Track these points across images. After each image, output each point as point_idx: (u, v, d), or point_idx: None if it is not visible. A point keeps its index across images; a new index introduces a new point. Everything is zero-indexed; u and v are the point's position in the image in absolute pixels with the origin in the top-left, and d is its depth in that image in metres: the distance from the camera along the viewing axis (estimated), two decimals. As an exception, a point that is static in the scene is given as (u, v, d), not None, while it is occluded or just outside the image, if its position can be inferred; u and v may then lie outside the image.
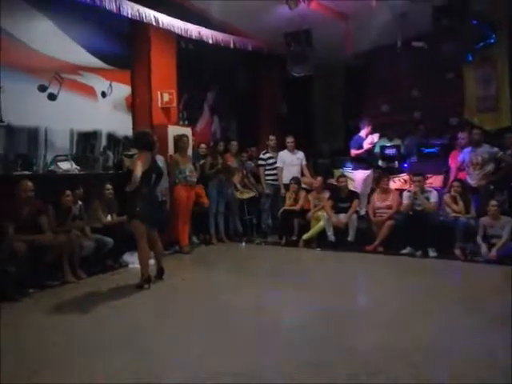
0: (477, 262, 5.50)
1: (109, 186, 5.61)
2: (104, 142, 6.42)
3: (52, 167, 5.56)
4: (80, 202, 5.29)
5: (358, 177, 6.89)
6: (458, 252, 5.78)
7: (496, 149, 6.25)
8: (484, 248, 5.55)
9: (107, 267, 5.34)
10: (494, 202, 5.63)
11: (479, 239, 5.63)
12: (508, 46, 7.63)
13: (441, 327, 3.35)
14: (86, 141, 6.18)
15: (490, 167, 6.17)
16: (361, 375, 2.59)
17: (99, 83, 6.40)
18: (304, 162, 7.40)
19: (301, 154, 7.40)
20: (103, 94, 6.46)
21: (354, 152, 7.08)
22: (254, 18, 7.23)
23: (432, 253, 5.86)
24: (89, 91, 6.26)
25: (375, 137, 7.00)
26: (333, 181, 7.17)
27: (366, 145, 6.97)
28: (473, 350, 2.93)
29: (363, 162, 7.02)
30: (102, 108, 6.43)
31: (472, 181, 6.23)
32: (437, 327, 3.36)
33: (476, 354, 2.86)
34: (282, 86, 9.06)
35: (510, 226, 5.53)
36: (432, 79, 8.29)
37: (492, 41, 7.60)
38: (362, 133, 7.07)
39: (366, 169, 7.01)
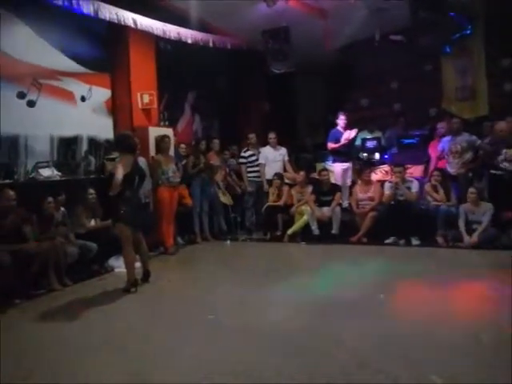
0: (459, 248, 5.61)
1: (91, 191, 5.58)
2: (85, 146, 6.40)
3: (33, 174, 5.53)
4: (63, 209, 5.27)
5: (336, 170, 6.95)
6: (440, 239, 5.88)
7: (474, 137, 6.36)
8: (465, 234, 5.66)
9: (93, 273, 5.31)
10: (472, 190, 5.73)
11: (461, 226, 5.73)
12: (484, 36, 7.75)
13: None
14: (66, 146, 6.15)
15: (468, 155, 6.27)
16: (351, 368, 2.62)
17: (79, 88, 6.37)
18: (286, 158, 7.45)
19: (283, 150, 7.44)
20: (83, 99, 6.44)
21: (330, 145, 7.14)
22: (232, 17, 7.26)
23: (415, 241, 5.96)
24: (68, 96, 6.23)
25: (352, 132, 7.04)
26: (315, 175, 7.22)
27: (343, 140, 7.02)
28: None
29: (341, 154, 7.07)
30: (82, 112, 6.40)
31: (452, 169, 6.33)
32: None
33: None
34: (263, 84, 9.10)
35: (490, 212, 5.64)
36: (411, 72, 8.39)
37: (468, 32, 7.72)
38: (340, 126, 7.12)
39: (345, 161, 7.07)
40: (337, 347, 2.90)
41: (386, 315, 3.47)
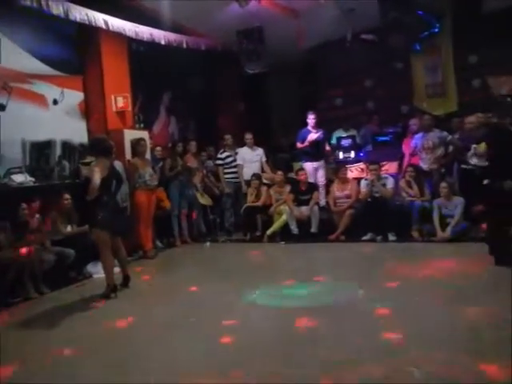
0: (433, 242, 5.76)
1: (67, 196, 5.49)
2: (59, 151, 6.27)
3: (6, 180, 5.39)
4: (38, 215, 5.16)
5: (307, 169, 7.03)
6: (415, 234, 6.03)
7: (445, 133, 6.54)
8: (439, 228, 5.82)
9: (71, 279, 5.24)
10: (444, 184, 5.90)
11: (435, 220, 5.89)
12: (451, 34, 7.96)
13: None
14: (39, 151, 6.02)
15: (440, 151, 6.45)
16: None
17: (50, 91, 6.24)
18: (264, 158, 7.48)
19: (260, 151, 7.47)
20: (55, 102, 6.30)
21: (298, 145, 7.23)
22: (205, 17, 7.24)
23: (392, 237, 6.09)
24: (40, 99, 6.09)
25: (315, 135, 7.08)
26: (293, 174, 7.29)
27: (307, 141, 7.09)
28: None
29: (311, 154, 7.15)
30: (54, 116, 6.27)
31: (424, 165, 6.49)
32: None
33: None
34: (238, 84, 9.11)
35: (462, 206, 5.82)
36: (382, 70, 8.55)
37: (436, 30, 7.93)
38: (309, 126, 7.21)
39: (315, 160, 7.14)
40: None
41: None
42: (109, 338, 3.42)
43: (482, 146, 5.96)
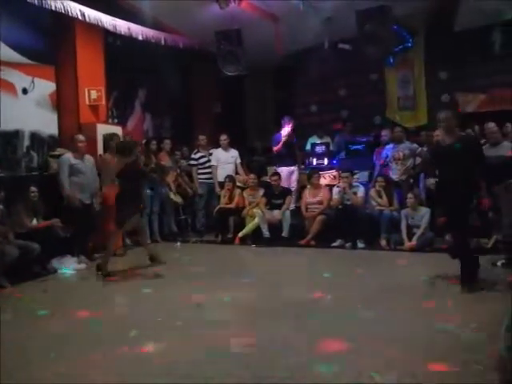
0: (400, 251, 5.91)
1: (33, 189, 5.31)
2: (27, 141, 6.05)
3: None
4: (1, 206, 4.96)
5: (283, 173, 7.09)
6: (383, 242, 6.17)
7: (415, 145, 6.75)
8: (406, 238, 5.98)
9: (34, 274, 5.06)
10: (410, 195, 6.07)
11: (402, 230, 6.05)
12: (423, 50, 8.25)
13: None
14: (6, 141, 5.79)
15: (410, 162, 6.65)
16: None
17: (19, 79, 6.01)
18: (238, 161, 7.48)
19: (235, 153, 7.47)
20: (24, 91, 6.08)
21: (275, 149, 7.31)
22: (185, 16, 7.19)
23: (360, 244, 6.21)
24: (8, 87, 5.86)
25: (287, 129, 7.21)
26: (267, 178, 7.32)
27: (282, 137, 7.18)
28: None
29: (286, 158, 7.24)
30: (23, 106, 6.05)
31: (394, 175, 6.67)
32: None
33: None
34: (215, 85, 9.09)
35: (428, 216, 6.00)
36: (357, 80, 8.74)
37: (410, 45, 8.21)
38: (284, 130, 7.29)
39: (290, 165, 7.23)
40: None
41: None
42: (68, 336, 3.32)
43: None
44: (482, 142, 6.19)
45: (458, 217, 4.13)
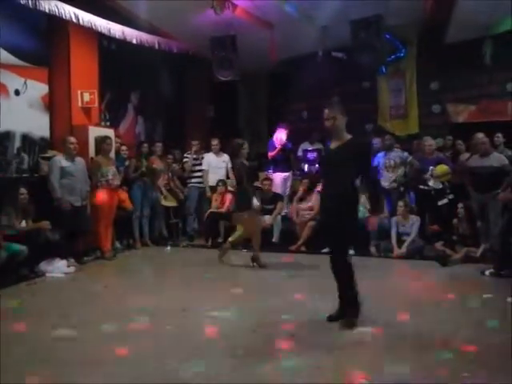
0: (390, 258, 5.95)
1: (23, 191, 5.27)
2: (18, 143, 6.01)
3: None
4: (-10, 208, 4.93)
5: (277, 179, 7.13)
6: (373, 249, 6.21)
7: (406, 153, 6.82)
8: (395, 245, 6.03)
9: (22, 277, 5.01)
10: (401, 203, 6.14)
11: (392, 237, 6.10)
12: (415, 60, 8.35)
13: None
14: (-3, 142, 5.76)
15: (400, 170, 6.72)
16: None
17: (12, 80, 5.97)
18: (230, 165, 7.49)
19: (226, 157, 7.47)
20: (17, 92, 6.05)
21: (270, 154, 7.35)
22: (179, 21, 7.21)
23: (350, 251, 6.21)
24: (0, 89, 5.84)
25: (281, 134, 7.27)
26: (258, 183, 7.33)
27: (277, 144, 7.24)
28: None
29: (281, 164, 7.28)
30: (15, 107, 6.00)
31: (385, 183, 6.73)
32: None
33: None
34: (208, 89, 9.11)
35: (418, 224, 6.06)
36: (350, 88, 8.80)
37: (402, 55, 8.31)
38: (277, 137, 7.34)
39: (285, 171, 7.27)
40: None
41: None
42: (58, 340, 3.28)
43: (439, 169, 6.27)
44: (468, 154, 6.32)
45: (335, 236, 3.42)
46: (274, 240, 6.57)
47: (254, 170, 8.24)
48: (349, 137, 3.49)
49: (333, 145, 3.52)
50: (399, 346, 3.08)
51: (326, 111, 3.47)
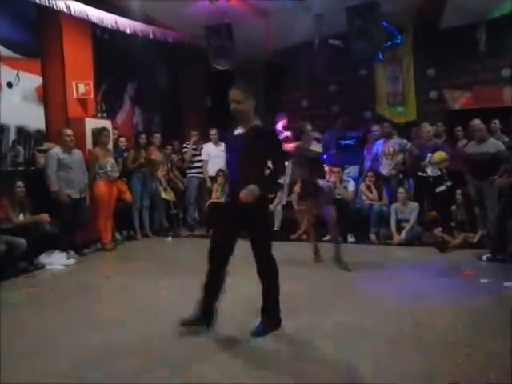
0: (389, 245, 5.97)
1: (20, 184, 5.22)
2: (13, 136, 5.93)
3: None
4: (-13, 201, 4.88)
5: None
6: (372, 236, 6.23)
7: (405, 141, 6.82)
8: (395, 232, 6.04)
9: (21, 270, 4.98)
10: (401, 190, 6.15)
11: (392, 224, 6.11)
12: (412, 47, 8.31)
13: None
14: (-9, 136, 5.69)
15: (399, 157, 6.71)
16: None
17: (4, 73, 5.87)
18: (229, 155, 7.46)
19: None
20: (9, 85, 5.95)
21: None
22: (174, 10, 7.12)
23: (350, 238, 6.25)
24: (-9, 81, 5.75)
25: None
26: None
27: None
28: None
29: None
30: (8, 100, 5.91)
31: (384, 170, 6.72)
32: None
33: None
34: (205, 79, 9.03)
35: (416, 211, 6.08)
36: (347, 76, 8.77)
37: (398, 41, 8.27)
38: (279, 126, 7.32)
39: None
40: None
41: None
42: (61, 331, 3.28)
43: (437, 156, 6.27)
44: (465, 141, 6.33)
45: (256, 228, 3.08)
46: (274, 228, 6.55)
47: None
48: (257, 122, 3.15)
49: (238, 130, 3.13)
50: (403, 335, 3.09)
51: (232, 93, 3.08)
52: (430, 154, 6.32)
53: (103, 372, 2.60)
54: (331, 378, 2.47)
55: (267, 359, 2.73)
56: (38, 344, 3.06)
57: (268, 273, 3.10)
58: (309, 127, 4.93)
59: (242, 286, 3.65)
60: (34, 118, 6.22)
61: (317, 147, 4.97)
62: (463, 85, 8.00)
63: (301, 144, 4.84)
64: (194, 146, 7.46)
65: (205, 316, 3.12)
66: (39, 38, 6.33)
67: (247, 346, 2.91)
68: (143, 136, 7.09)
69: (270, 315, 3.11)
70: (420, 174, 6.47)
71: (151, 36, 7.24)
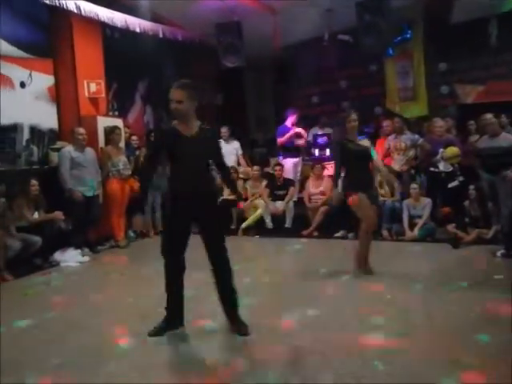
0: (402, 241, 5.93)
1: (34, 182, 5.28)
2: (27, 135, 6.00)
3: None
4: (3, 199, 4.93)
5: (287, 165, 7.11)
6: (385, 233, 6.19)
7: (417, 136, 6.76)
8: (407, 228, 6.00)
9: (36, 267, 5.05)
10: (414, 186, 6.09)
11: (404, 220, 6.07)
12: (422, 41, 8.24)
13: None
14: (5, 135, 5.73)
15: (411, 153, 6.65)
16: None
17: (17, 73, 5.94)
18: (240, 152, 7.47)
19: (236, 144, 7.45)
20: (22, 85, 6.02)
21: (279, 140, 7.31)
22: (183, 8, 7.14)
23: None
24: (5, 81, 5.80)
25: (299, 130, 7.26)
26: (269, 169, 7.32)
27: (290, 133, 7.21)
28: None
29: (291, 150, 7.26)
30: (21, 99, 5.98)
31: (396, 166, 6.67)
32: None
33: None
34: (215, 77, 9.04)
35: (429, 207, 6.03)
36: (357, 71, 8.73)
37: (408, 36, 8.20)
38: (288, 122, 7.30)
39: (295, 157, 7.25)
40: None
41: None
42: (75, 326, 3.32)
43: (449, 151, 6.22)
44: (477, 136, 6.26)
45: (213, 230, 3.14)
46: (286, 225, 6.56)
47: (263, 155, 8.25)
48: (199, 123, 3.06)
49: (186, 132, 2.99)
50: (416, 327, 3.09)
51: (172, 92, 3.00)
52: (442, 150, 6.28)
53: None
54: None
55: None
56: (54, 339, 3.08)
57: (222, 272, 3.10)
58: (354, 116, 4.43)
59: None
60: (47, 117, 6.28)
61: (364, 141, 4.54)
62: (475, 79, 7.93)
63: (342, 136, 4.44)
64: None
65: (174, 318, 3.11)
66: (51, 38, 6.39)
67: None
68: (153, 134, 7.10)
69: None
70: (432, 169, 6.43)
71: (161, 35, 7.27)
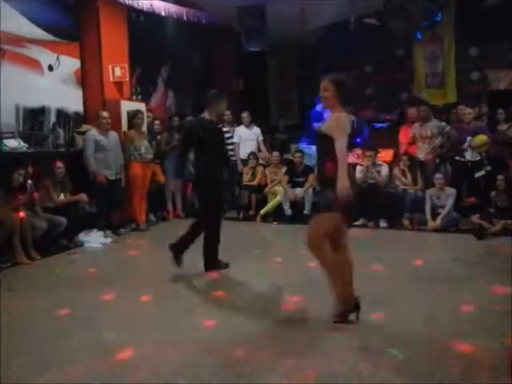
0: (423, 231, 5.83)
1: (60, 165, 5.42)
2: (53, 118, 6.14)
3: (-3, 145, 5.28)
4: (30, 181, 5.10)
5: (313, 151, 7.04)
6: (406, 222, 6.10)
7: (444, 123, 6.57)
8: (430, 218, 5.89)
9: (62, 247, 5.22)
10: (439, 175, 5.95)
11: (426, 210, 5.95)
12: (453, 24, 7.94)
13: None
14: (33, 117, 5.88)
15: (437, 141, 6.47)
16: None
17: (45, 56, 6.05)
18: (261, 138, 7.45)
19: (257, 130, 7.43)
20: (50, 68, 6.13)
21: (316, 125, 7.21)
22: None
23: (383, 223, 6.15)
24: (34, 64, 5.91)
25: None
26: (289, 156, 7.28)
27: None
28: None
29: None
30: (49, 82, 6.11)
31: (421, 154, 6.51)
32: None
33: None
34: (237, 61, 8.99)
35: (454, 197, 5.89)
36: (383, 56, 8.50)
37: (438, 19, 7.88)
38: (318, 107, 7.20)
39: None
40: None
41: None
42: (99, 306, 3.43)
43: (478, 139, 6.03)
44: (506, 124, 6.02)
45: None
46: (305, 212, 6.53)
47: (285, 142, 8.21)
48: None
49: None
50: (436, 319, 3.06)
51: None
52: (470, 138, 6.10)
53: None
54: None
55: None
56: (79, 316, 3.22)
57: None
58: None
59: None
60: (73, 101, 6.39)
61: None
62: (508, 64, 7.61)
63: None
64: (226, 128, 7.46)
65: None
66: (77, 21, 6.46)
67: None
68: (175, 119, 7.16)
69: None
70: (458, 158, 6.27)
71: (185, 17, 7.25)
